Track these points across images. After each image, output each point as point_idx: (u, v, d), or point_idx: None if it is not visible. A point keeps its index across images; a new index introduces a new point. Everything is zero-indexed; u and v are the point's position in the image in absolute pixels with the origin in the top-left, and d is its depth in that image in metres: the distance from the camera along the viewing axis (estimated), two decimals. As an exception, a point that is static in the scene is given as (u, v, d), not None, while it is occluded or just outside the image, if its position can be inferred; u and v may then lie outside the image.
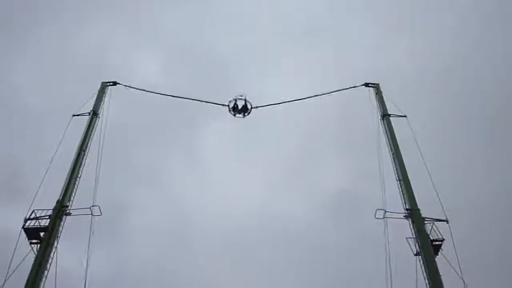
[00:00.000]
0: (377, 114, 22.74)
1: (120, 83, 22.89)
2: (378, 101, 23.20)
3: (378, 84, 24.02)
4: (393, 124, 21.72)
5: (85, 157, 19.59)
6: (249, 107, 24.98)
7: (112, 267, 31.66)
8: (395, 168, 20.20)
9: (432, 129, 36.44)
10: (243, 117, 25.17)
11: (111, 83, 22.67)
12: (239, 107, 24.95)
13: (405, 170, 19.81)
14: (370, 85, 24.09)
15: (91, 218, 18.24)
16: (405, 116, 22.26)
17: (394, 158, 20.44)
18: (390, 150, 20.95)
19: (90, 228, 18.49)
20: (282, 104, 25.74)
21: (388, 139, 21.29)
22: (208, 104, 24.98)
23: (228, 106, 24.96)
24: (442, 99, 40.58)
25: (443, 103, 40.32)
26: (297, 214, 35.48)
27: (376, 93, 23.64)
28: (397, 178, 19.79)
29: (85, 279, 17.59)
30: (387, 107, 22.59)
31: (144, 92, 23.58)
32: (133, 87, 23.27)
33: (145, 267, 32.27)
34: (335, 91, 24.60)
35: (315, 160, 38.01)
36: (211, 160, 41.04)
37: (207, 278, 32.13)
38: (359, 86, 24.26)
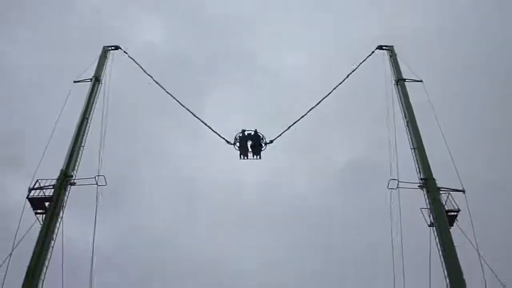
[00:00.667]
0: (391, 79, 21.77)
1: (122, 48, 22.09)
2: (392, 65, 22.18)
3: (392, 46, 22.93)
4: (407, 89, 20.81)
5: (88, 125, 19.21)
6: (263, 143, 19.81)
7: (117, 238, 32.01)
8: (409, 136, 19.61)
9: (449, 95, 35.46)
10: (255, 158, 19.70)
11: (112, 47, 21.95)
12: (248, 144, 19.75)
13: (420, 138, 19.24)
14: (383, 47, 23.02)
15: (97, 188, 18.09)
16: (421, 81, 21.45)
17: (408, 126, 19.85)
18: (404, 117, 20.27)
19: (96, 198, 18.37)
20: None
21: (402, 105, 20.56)
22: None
23: (234, 144, 19.64)
24: (459, 63, 39.21)
25: (459, 68, 39.00)
26: (304, 186, 35.30)
27: (390, 56, 22.59)
28: (412, 147, 19.25)
29: (92, 250, 17.57)
30: (402, 71, 21.58)
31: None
32: (133, 59, 21.83)
33: (151, 238, 32.58)
34: (349, 74, 22.05)
35: (323, 129, 37.26)
36: (218, 127, 40.52)
37: (213, 249, 32.39)
38: (372, 52, 22.95)
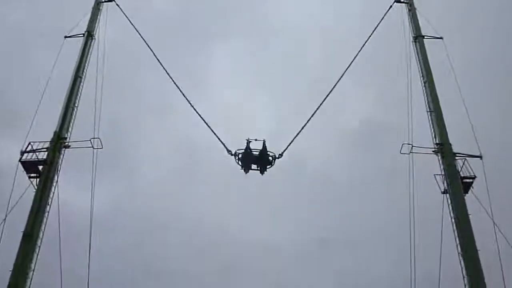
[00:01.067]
0: (409, 36, 20.95)
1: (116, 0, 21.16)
2: (411, 20, 21.33)
3: None
4: (426, 48, 20.03)
5: (81, 84, 18.76)
6: (271, 157, 17.88)
7: (115, 202, 32.01)
8: (426, 98, 19.11)
9: (471, 55, 34.14)
10: (261, 173, 17.87)
11: None
12: (254, 157, 17.70)
13: (438, 100, 18.74)
14: (402, 1, 21.94)
15: (93, 152, 17.86)
16: (441, 38, 20.68)
17: (425, 86, 19.28)
18: (422, 77, 19.67)
19: (93, 162, 18.16)
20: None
21: (420, 64, 19.87)
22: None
23: (235, 155, 17.69)
24: (483, 20, 37.52)
25: (484, 25, 37.37)
26: (312, 148, 34.91)
27: (409, 10, 21.66)
28: (428, 109, 18.75)
29: (90, 215, 17.61)
30: (421, 27, 20.65)
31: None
32: (125, 15, 20.85)
33: (149, 202, 32.72)
34: (370, 36, 20.57)
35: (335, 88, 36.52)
36: (220, 85, 39.75)
37: (213, 213, 32.56)
38: (390, 7, 21.84)
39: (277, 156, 18.12)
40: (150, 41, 20.71)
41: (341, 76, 19.92)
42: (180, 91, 19.42)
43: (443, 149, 17.53)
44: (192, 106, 19.04)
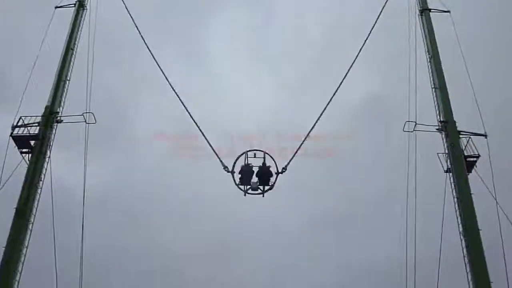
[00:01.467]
0: (415, 8, 20.75)
1: None
2: None
3: None
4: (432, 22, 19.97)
5: (73, 56, 18.73)
6: (273, 174, 16.24)
7: (109, 178, 32.14)
8: (431, 74, 19.09)
9: (478, 31, 33.80)
10: (262, 194, 16.25)
11: None
12: (254, 173, 16.26)
13: (443, 76, 18.77)
14: None
15: (86, 127, 17.99)
16: (448, 12, 20.53)
17: (430, 62, 19.26)
18: (427, 52, 19.61)
19: (86, 137, 18.36)
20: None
21: (426, 39, 19.83)
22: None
23: (232, 173, 16.18)
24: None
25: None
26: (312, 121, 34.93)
27: None
28: (433, 86, 18.81)
29: (83, 191, 17.87)
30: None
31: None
32: None
33: (145, 179, 32.75)
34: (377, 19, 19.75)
35: (335, 64, 36.30)
36: (219, 62, 39.42)
37: (212, 192, 32.66)
38: None
39: (280, 171, 16.47)
40: (147, 10, 20.38)
41: (352, 64, 19.34)
42: (170, 84, 18.82)
43: (447, 127, 17.61)
44: (184, 106, 18.16)
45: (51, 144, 16.99)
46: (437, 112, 18.30)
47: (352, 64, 19.22)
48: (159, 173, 32.87)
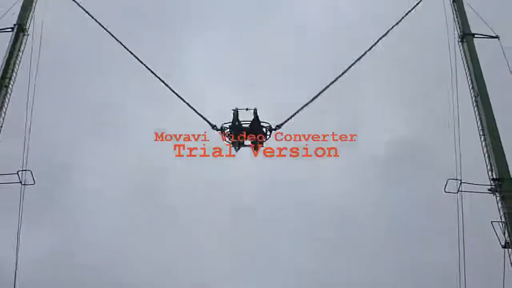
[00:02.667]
0: (454, 33, 21.11)
1: None
2: (456, 13, 21.40)
3: None
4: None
5: (8, 95, 18.20)
6: (265, 128, 18.79)
7: (51, 251, 30.99)
8: (477, 117, 18.95)
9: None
10: (255, 149, 18.97)
11: None
12: (244, 130, 18.62)
13: (494, 120, 18.56)
14: None
15: (21, 188, 17.77)
16: (497, 37, 20.69)
17: (477, 102, 19.04)
18: (471, 89, 19.53)
19: (21, 201, 18.06)
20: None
21: (470, 73, 19.66)
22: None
23: (221, 130, 18.60)
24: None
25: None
26: (326, 179, 34.59)
27: (454, 1, 21.77)
28: (481, 133, 18.61)
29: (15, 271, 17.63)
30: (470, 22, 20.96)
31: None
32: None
33: (96, 250, 31.70)
34: (397, 22, 20.67)
35: (356, 100, 36.38)
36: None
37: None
38: None
39: (273, 127, 18.72)
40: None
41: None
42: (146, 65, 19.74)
43: (503, 187, 17.09)
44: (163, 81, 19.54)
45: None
46: (488, 167, 17.90)
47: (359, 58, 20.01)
48: (114, 243, 32.32)
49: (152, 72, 19.62)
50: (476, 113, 19.10)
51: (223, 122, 18.68)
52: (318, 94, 19.50)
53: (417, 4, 21.72)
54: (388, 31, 20.72)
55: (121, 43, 20.09)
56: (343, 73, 19.93)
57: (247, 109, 18.80)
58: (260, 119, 18.94)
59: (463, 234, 18.65)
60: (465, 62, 20.31)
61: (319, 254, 32.79)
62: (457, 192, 18.28)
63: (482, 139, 18.58)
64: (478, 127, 18.87)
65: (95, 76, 32.59)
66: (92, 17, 20.39)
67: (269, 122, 18.81)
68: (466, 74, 20.09)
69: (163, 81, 19.57)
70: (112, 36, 20.12)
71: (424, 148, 33.24)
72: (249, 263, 32.81)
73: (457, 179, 18.32)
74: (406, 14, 21.28)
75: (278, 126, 18.87)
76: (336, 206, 34.12)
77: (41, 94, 20.08)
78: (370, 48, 20.38)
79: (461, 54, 20.53)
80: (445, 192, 18.46)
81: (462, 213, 18.80)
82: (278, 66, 36.85)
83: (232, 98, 29.66)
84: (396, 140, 36.36)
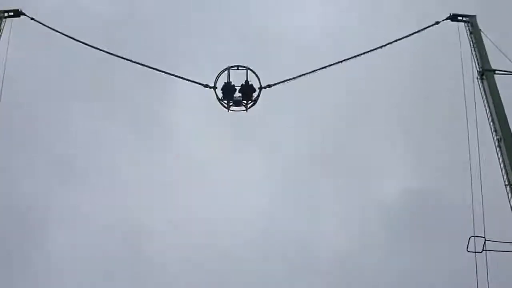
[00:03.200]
0: (472, 69, 20.95)
1: (27, 14, 21.77)
2: (474, 47, 21.25)
3: (474, 16, 22.13)
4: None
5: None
6: (256, 88, 22.39)
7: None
8: (502, 164, 18.43)
9: None
10: (246, 109, 22.57)
11: (11, 13, 21.48)
12: (236, 91, 22.42)
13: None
14: (460, 18, 22.29)
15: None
16: None
17: (500, 146, 18.60)
18: (493, 132, 19.11)
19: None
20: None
21: (491, 113, 19.33)
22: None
23: (214, 88, 22.28)
24: None
25: None
26: (330, 234, 34.19)
27: (471, 33, 21.71)
28: (506, 182, 18.01)
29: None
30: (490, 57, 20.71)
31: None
32: (47, 25, 21.79)
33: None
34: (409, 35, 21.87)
35: (363, 142, 36.19)
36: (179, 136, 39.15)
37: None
38: (442, 21, 22.43)
39: (263, 86, 22.01)
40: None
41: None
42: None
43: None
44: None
45: None
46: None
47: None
48: None
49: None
50: (500, 159, 18.53)
51: (216, 79, 21.99)
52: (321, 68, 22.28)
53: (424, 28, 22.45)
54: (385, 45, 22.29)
55: None
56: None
57: (238, 68, 22.18)
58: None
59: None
60: (485, 101, 19.88)
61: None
62: (481, 251, 18.01)
63: (508, 189, 17.88)
64: (503, 176, 18.22)
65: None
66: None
67: (260, 81, 22.15)
68: (486, 114, 19.65)
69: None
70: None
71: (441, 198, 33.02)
72: None
73: (479, 236, 18.10)
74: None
75: (269, 86, 22.09)
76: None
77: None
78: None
79: (481, 93, 20.24)
80: (468, 251, 18.16)
81: (487, 273, 18.32)
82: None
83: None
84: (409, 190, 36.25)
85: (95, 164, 34.50)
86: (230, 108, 22.13)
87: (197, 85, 22.04)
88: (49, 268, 32.87)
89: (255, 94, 22.13)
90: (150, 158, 32.71)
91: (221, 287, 33.45)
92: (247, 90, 22.09)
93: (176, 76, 22.28)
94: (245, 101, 22.16)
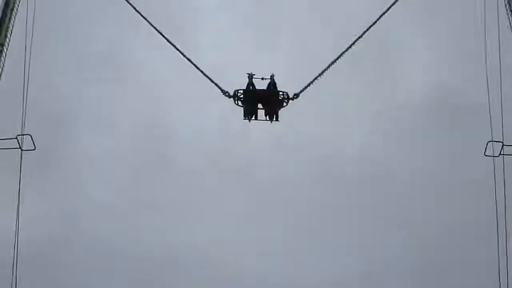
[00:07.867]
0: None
1: None
2: None
3: None
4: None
5: (4, 55, 18.58)
6: (282, 96, 19.38)
7: (55, 221, 32.17)
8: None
9: None
10: (270, 120, 19.69)
11: None
12: (259, 97, 19.42)
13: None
14: None
15: (21, 154, 18.28)
16: None
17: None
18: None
19: (20, 169, 18.57)
20: None
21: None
22: None
23: (234, 96, 19.23)
24: None
25: None
26: (353, 137, 34.89)
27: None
28: None
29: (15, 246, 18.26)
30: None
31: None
32: None
33: (103, 213, 32.84)
34: None
35: (388, 47, 36.20)
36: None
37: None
38: None
39: (291, 96, 19.14)
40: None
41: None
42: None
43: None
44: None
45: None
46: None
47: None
48: (121, 203, 33.13)
49: (163, 36, 19.82)
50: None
51: (237, 89, 19.26)
52: (347, 49, 19.66)
53: None
54: None
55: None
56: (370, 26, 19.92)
57: (262, 79, 19.39)
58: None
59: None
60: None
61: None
62: (498, 155, 18.43)
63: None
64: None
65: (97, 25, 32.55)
66: None
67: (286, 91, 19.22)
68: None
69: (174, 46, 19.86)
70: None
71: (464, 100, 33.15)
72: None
73: (497, 141, 18.45)
74: None
75: (296, 95, 19.25)
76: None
77: (39, 47, 20.18)
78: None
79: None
80: (485, 155, 18.63)
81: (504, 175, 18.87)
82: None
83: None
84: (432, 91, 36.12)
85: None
86: (249, 119, 19.74)
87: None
88: (79, 163, 34.64)
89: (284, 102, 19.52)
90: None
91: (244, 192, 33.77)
92: (272, 99, 19.56)
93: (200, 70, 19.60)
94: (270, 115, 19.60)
